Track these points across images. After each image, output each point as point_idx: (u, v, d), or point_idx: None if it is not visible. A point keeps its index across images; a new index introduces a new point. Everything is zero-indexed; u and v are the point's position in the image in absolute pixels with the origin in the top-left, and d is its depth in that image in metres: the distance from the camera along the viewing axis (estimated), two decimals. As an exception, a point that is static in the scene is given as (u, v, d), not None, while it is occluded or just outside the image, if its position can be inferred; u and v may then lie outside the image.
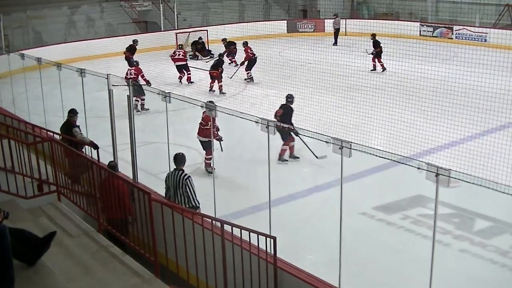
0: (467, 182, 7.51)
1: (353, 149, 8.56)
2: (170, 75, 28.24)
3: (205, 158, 16.27)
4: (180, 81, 28.10)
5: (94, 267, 8.88)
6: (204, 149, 16.22)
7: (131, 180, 12.59)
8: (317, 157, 16.35)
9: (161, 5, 39.38)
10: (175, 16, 39.63)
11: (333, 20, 39.35)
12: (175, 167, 11.84)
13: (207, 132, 15.33)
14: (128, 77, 21.82)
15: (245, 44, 28.84)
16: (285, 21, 42.22)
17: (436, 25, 40.58)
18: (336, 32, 39.06)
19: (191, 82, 28.14)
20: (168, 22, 39.75)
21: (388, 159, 8.54)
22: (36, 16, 37.36)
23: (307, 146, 16.56)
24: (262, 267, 9.22)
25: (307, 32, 42.69)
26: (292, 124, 15.93)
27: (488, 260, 11.81)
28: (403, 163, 8.49)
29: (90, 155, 13.83)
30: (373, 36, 30.05)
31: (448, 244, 12.30)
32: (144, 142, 16.62)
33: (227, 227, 9.23)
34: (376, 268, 11.51)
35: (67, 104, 15.72)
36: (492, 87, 20.33)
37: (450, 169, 7.60)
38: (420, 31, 39.39)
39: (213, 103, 11.70)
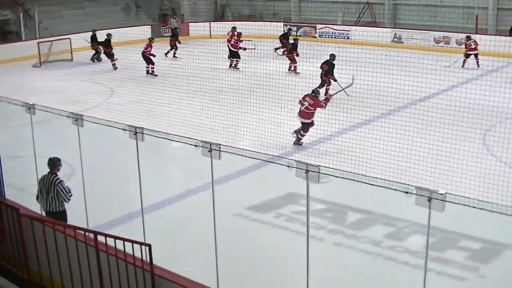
0: (337, 177, 7.70)
1: (223, 151, 8.61)
2: (34, 86, 27.58)
3: (301, 135, 18.38)
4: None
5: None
6: (302, 128, 18.36)
7: (-2, 197, 12.21)
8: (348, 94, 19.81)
9: (21, 13, 38.27)
10: (37, 25, 38.60)
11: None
12: (48, 171, 11.58)
13: (310, 115, 18.30)
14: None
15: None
16: (150, 26, 41.92)
17: (299, 24, 41.36)
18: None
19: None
20: (29, 31, 38.69)
21: (257, 159, 8.64)
22: None
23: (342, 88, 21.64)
24: (139, 276, 9.13)
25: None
26: (333, 75, 23.82)
27: (362, 251, 12.13)
28: (273, 162, 8.61)
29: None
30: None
31: (323, 238, 12.54)
32: (9, 157, 16.13)
33: (101, 238, 9.10)
34: (254, 268, 11.58)
35: None
36: (356, 83, 20.90)
37: (319, 165, 7.76)
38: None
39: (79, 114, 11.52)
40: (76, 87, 27.42)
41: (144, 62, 30.28)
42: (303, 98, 18.43)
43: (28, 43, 35.66)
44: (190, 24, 43.03)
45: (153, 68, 30.32)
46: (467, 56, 30.42)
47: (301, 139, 18.31)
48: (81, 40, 34.96)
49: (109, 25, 39.07)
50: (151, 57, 30.38)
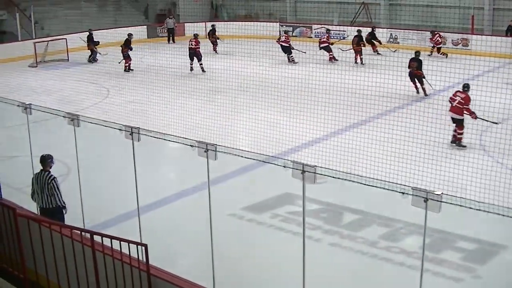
0: (333, 177, 7.70)
1: (218, 151, 8.61)
2: (30, 86, 27.58)
3: (457, 133, 17.53)
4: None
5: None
6: (457, 126, 17.55)
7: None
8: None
9: (17, 14, 38.23)
10: (33, 25, 38.59)
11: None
12: (41, 168, 11.63)
13: (462, 110, 17.35)
14: None
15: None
16: (145, 26, 41.88)
17: (295, 24, 41.37)
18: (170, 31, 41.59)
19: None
20: (26, 31, 38.67)
21: (253, 159, 8.65)
22: None
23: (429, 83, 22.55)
24: (135, 276, 9.13)
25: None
26: (422, 71, 23.59)
27: (358, 251, 12.13)
28: (269, 163, 8.62)
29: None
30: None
31: (319, 239, 12.55)
32: (5, 156, 16.15)
33: (97, 238, 9.09)
34: (249, 268, 11.58)
35: None
36: (351, 84, 20.91)
37: (316, 166, 7.77)
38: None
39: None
40: (72, 87, 27.46)
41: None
42: (454, 94, 17.91)
43: (24, 43, 35.66)
44: (186, 24, 42.98)
45: (202, 64, 30.47)
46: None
47: (461, 138, 17.59)
48: (77, 39, 35.01)
49: (105, 25, 39.11)
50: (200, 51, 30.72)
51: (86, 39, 34.99)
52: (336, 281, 11.15)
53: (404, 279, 11.10)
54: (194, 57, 30.54)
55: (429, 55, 31.99)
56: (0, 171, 12.69)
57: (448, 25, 35.60)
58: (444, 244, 12.25)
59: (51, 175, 11.54)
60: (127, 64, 31.59)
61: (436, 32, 32.89)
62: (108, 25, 39.21)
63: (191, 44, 30.83)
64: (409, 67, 23.63)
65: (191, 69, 30.50)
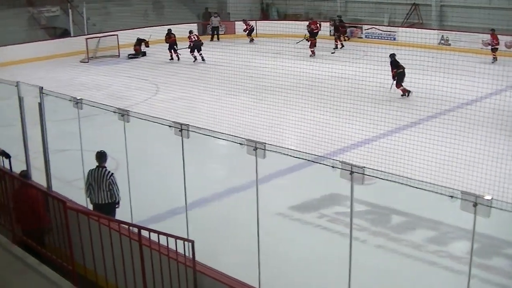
0: (381, 178, 7.64)
1: (267, 150, 8.60)
2: (81, 81, 27.91)
3: None
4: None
5: (9, 279, 8.66)
6: None
7: (45, 189, 12.35)
8: None
9: (70, 10, 38.73)
10: (85, 21, 39.06)
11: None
12: (97, 164, 11.89)
13: None
14: None
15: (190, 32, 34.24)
16: (196, 24, 42.04)
17: (345, 25, 41.17)
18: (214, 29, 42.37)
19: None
20: (78, 27, 39.15)
21: (302, 158, 8.62)
22: None
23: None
24: (181, 272, 9.18)
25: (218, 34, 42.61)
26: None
27: (404, 254, 12.06)
28: (317, 162, 8.58)
29: (2, 164, 13.51)
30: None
31: (365, 240, 12.49)
32: (56, 150, 16.31)
33: (145, 233, 9.16)
34: (295, 268, 11.58)
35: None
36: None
37: (364, 167, 7.72)
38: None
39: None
40: (122, 82, 27.73)
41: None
42: None
43: (76, 39, 36.18)
44: (236, 22, 43.08)
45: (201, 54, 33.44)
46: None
47: None
48: (128, 35, 35.46)
49: (155, 22, 39.43)
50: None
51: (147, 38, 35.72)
52: (381, 283, 11.08)
53: (451, 284, 11.00)
54: (196, 49, 33.83)
55: (493, 61, 31.04)
56: (51, 165, 12.82)
57: (501, 27, 34.99)
58: (493, 250, 12.09)
59: (109, 171, 11.77)
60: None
61: (493, 34, 31.97)
62: (159, 22, 39.46)
63: (194, 38, 33.99)
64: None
65: (195, 59, 33.90)
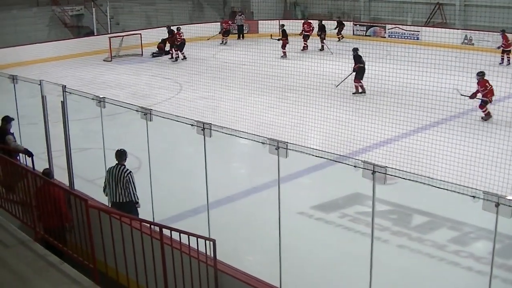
0: (403, 178, 7.62)
1: (290, 149, 8.61)
2: (104, 80, 28.04)
3: None
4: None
5: (31, 277, 8.72)
6: None
7: (67, 187, 12.43)
8: None
9: (93, 9, 38.93)
10: (108, 20, 39.23)
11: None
12: (116, 162, 11.87)
13: None
14: None
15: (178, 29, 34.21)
16: (219, 23, 42.13)
17: (369, 24, 41.09)
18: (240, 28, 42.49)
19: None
20: (101, 26, 39.35)
21: (324, 158, 8.61)
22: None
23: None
24: (202, 270, 9.20)
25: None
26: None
27: (426, 254, 11.98)
28: (339, 162, 8.57)
29: (25, 163, 13.61)
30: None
31: (387, 240, 12.45)
32: (79, 148, 16.41)
33: (166, 231, 9.19)
34: (316, 267, 11.55)
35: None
36: (425, 85, 20.67)
37: (387, 166, 7.70)
38: (353, 30, 39.79)
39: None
40: (145, 81, 27.86)
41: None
42: None
43: (100, 38, 36.33)
44: (259, 21, 43.11)
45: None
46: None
47: None
48: (151, 34, 35.61)
49: (179, 21, 39.49)
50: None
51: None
52: (402, 283, 11.04)
53: (472, 284, 10.92)
54: (181, 48, 34.07)
55: (505, 63, 30.39)
56: (73, 163, 12.89)
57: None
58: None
59: (127, 169, 11.73)
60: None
61: (504, 35, 31.23)
62: (184, 21, 39.59)
63: (182, 36, 33.96)
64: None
65: (184, 57, 34.15)
